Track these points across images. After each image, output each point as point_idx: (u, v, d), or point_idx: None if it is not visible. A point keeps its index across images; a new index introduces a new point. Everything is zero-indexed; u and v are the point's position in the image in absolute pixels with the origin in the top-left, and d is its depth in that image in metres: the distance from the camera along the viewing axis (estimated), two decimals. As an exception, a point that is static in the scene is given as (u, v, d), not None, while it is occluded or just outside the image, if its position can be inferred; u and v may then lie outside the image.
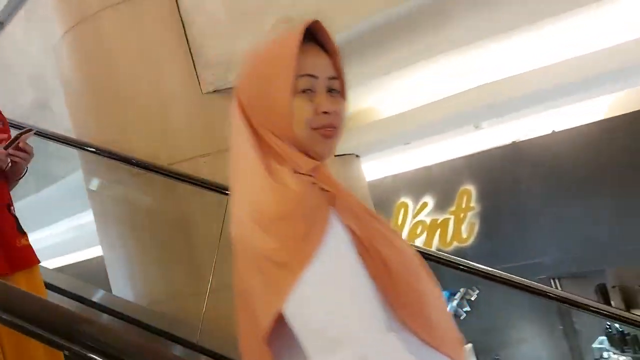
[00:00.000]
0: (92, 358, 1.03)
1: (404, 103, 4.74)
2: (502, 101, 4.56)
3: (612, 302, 5.83)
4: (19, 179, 2.01)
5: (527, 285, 2.42)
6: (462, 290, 6.85)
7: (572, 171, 5.64)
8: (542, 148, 5.84)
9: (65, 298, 2.84)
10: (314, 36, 0.95)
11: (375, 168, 6.09)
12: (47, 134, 3.14)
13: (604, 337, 5.99)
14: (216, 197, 2.81)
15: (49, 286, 2.38)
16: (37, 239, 3.13)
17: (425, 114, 4.62)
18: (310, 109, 0.92)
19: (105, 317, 2.81)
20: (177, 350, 2.69)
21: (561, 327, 6.68)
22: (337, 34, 0.99)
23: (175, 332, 2.78)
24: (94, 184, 3.29)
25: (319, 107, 0.92)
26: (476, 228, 6.13)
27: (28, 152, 1.93)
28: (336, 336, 0.77)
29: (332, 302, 0.79)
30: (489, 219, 6.08)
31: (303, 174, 0.89)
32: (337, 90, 0.95)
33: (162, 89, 3.09)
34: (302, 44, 0.91)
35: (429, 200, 6.41)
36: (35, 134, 2.02)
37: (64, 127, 3.36)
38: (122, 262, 3.19)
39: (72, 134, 3.28)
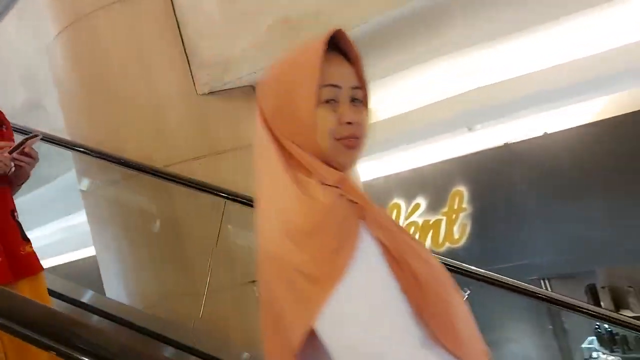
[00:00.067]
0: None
1: (397, 105, 4.76)
2: (495, 104, 4.59)
3: (602, 303, 5.86)
4: (22, 183, 1.99)
5: (516, 286, 2.45)
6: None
7: (563, 173, 5.67)
8: (534, 150, 5.87)
9: (58, 301, 2.83)
10: (336, 45, 0.93)
11: (367, 169, 6.09)
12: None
13: (594, 337, 6.01)
14: (210, 199, 2.81)
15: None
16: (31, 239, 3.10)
17: (419, 117, 4.65)
18: (334, 120, 0.90)
19: (95, 319, 2.80)
20: (169, 351, 2.69)
21: (551, 327, 6.71)
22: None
23: (168, 333, 2.78)
24: (87, 184, 3.28)
25: (342, 118, 0.90)
26: (468, 229, 6.15)
27: (33, 157, 1.90)
28: (370, 352, 0.77)
29: (364, 318, 0.78)
30: (481, 220, 6.10)
31: (330, 185, 0.87)
32: (359, 99, 0.93)
33: (157, 89, 3.08)
34: (325, 53, 0.89)
35: (422, 201, 6.42)
36: (41, 139, 1.99)
37: (58, 127, 3.34)
38: (116, 263, 3.18)
39: (65, 135, 3.27)
